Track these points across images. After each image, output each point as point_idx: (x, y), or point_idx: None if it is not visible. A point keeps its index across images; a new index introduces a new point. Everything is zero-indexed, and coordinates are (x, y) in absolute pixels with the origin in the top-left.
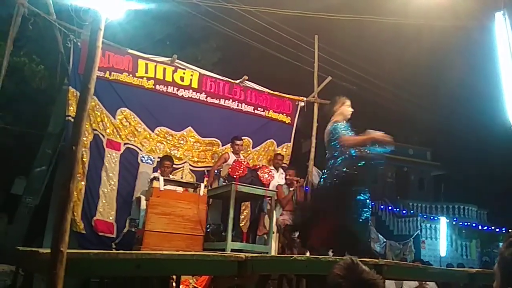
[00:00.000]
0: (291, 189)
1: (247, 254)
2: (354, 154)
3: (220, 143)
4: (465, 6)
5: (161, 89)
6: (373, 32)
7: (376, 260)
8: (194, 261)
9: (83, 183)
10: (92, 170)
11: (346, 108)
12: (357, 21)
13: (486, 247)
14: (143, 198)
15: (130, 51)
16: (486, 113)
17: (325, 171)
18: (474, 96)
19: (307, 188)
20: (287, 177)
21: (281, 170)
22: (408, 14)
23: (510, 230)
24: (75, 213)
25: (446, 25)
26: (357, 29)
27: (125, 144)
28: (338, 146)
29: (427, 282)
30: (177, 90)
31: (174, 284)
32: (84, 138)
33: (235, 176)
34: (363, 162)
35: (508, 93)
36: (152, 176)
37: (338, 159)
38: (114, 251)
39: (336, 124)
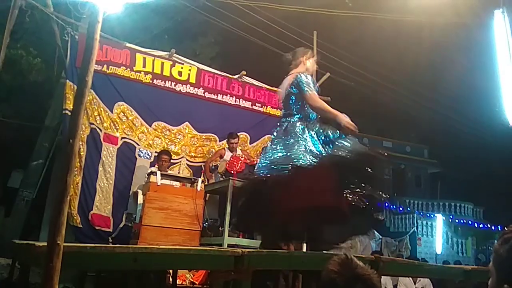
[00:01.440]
0: None
1: (243, 249)
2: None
3: (218, 139)
4: (465, 3)
5: (158, 84)
6: (373, 29)
7: (372, 257)
8: (191, 255)
9: (80, 177)
10: (89, 164)
11: (312, 61)
12: (356, 17)
13: (481, 244)
14: (140, 192)
15: (128, 45)
16: (484, 111)
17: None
18: (473, 94)
19: None
20: None
21: None
22: (408, 11)
23: (505, 228)
24: (71, 207)
25: (446, 22)
26: (356, 26)
27: (122, 138)
28: (298, 104)
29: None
30: (175, 85)
31: (170, 279)
32: (81, 132)
33: (232, 172)
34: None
35: (507, 91)
36: (149, 171)
37: (297, 122)
38: (111, 245)
39: (301, 75)
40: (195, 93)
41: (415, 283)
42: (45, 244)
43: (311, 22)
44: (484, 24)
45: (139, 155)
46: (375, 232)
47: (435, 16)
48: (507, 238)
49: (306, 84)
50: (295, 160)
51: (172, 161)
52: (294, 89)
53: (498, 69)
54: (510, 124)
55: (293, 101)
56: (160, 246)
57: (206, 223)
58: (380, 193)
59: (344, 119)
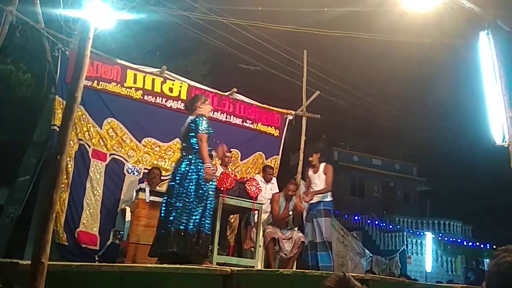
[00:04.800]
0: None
1: (232, 268)
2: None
3: None
4: (451, 24)
5: (149, 100)
6: (363, 48)
7: (362, 275)
8: (179, 274)
9: (67, 193)
10: (77, 180)
11: (208, 106)
12: (347, 37)
13: (471, 263)
14: (128, 209)
15: (119, 61)
16: (472, 130)
17: (185, 162)
18: (460, 113)
19: None
20: (289, 192)
21: (272, 182)
22: (397, 31)
23: (494, 246)
24: (58, 224)
25: (433, 42)
26: (347, 45)
27: (111, 154)
28: (195, 140)
29: None
30: (166, 101)
31: None
32: (70, 148)
33: (222, 189)
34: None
35: (492, 110)
36: (138, 187)
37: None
38: (97, 263)
39: (201, 117)
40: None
41: None
42: (29, 262)
43: (302, 41)
44: (470, 45)
45: (128, 172)
46: (366, 250)
47: (423, 36)
48: (496, 255)
49: (202, 125)
50: None
51: (162, 177)
52: (192, 127)
53: (484, 88)
54: (496, 143)
55: (191, 137)
56: (147, 265)
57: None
58: None
59: (207, 168)
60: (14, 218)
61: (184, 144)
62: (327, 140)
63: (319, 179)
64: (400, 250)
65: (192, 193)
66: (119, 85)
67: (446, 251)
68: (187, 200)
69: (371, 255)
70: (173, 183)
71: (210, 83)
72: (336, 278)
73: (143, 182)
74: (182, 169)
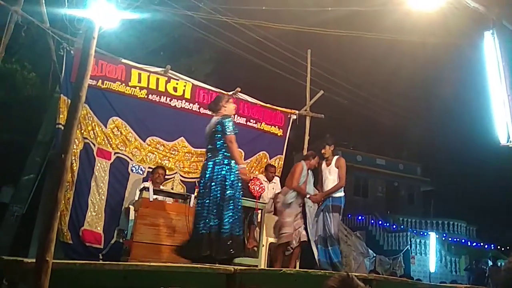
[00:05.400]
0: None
1: (236, 267)
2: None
3: None
4: (456, 24)
5: (153, 99)
6: (367, 48)
7: (366, 275)
8: (182, 273)
9: (71, 192)
10: (82, 179)
11: (232, 105)
12: (351, 36)
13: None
14: (132, 208)
15: (123, 60)
16: (476, 130)
17: (217, 164)
18: (465, 113)
19: None
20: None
21: (275, 181)
22: (402, 31)
23: (498, 247)
24: (62, 223)
25: (438, 42)
26: (351, 44)
27: (115, 153)
28: (221, 142)
29: None
30: (170, 100)
31: None
32: (74, 147)
33: None
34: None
35: (497, 110)
36: (142, 186)
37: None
38: (100, 262)
39: (228, 119)
40: (190, 108)
41: None
42: (34, 260)
43: (305, 40)
44: (475, 44)
45: (132, 171)
46: (369, 250)
47: (428, 36)
48: (509, 261)
49: (229, 126)
50: None
51: (165, 176)
52: (218, 128)
53: (489, 88)
54: (501, 142)
55: (217, 139)
56: (151, 264)
57: None
58: None
59: (243, 167)
60: (18, 216)
61: (209, 146)
62: (331, 139)
63: (331, 172)
64: (404, 250)
65: (219, 195)
66: (123, 84)
67: (450, 251)
68: (216, 202)
69: (374, 255)
70: (202, 185)
71: (214, 82)
72: (339, 278)
73: (147, 181)
74: (209, 171)
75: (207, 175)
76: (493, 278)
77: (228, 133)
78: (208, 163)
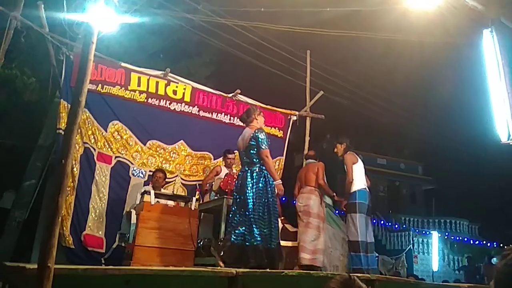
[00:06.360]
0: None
1: (237, 270)
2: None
3: (212, 157)
4: (454, 22)
5: (153, 103)
6: (366, 48)
7: (368, 275)
8: (184, 276)
9: (73, 197)
10: (82, 183)
11: (261, 119)
12: (350, 36)
13: (477, 261)
14: (133, 212)
15: (123, 64)
16: (477, 128)
17: (255, 175)
18: (465, 111)
19: (293, 201)
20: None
21: None
22: (399, 30)
23: (501, 244)
24: (64, 228)
25: (436, 41)
26: (350, 44)
27: (116, 157)
28: (255, 155)
29: None
30: (170, 104)
31: None
32: (75, 151)
33: (226, 190)
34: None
35: (497, 108)
36: (143, 190)
37: (257, 170)
38: (103, 266)
39: (260, 132)
40: (190, 111)
41: None
42: (36, 266)
43: (304, 41)
44: (473, 43)
45: (133, 174)
46: None
47: (426, 35)
48: (505, 255)
49: (263, 141)
50: None
51: (166, 180)
52: (253, 142)
53: (488, 86)
54: (501, 140)
55: (252, 153)
56: (153, 267)
57: (200, 243)
58: None
59: (279, 185)
60: (20, 222)
61: (245, 159)
62: (332, 140)
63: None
64: (407, 250)
65: (257, 206)
66: (123, 88)
67: (453, 250)
68: (258, 214)
69: (377, 255)
70: (238, 197)
71: (214, 84)
72: (341, 280)
73: (148, 185)
74: (247, 183)
75: (245, 186)
76: (487, 276)
77: (263, 148)
78: (246, 175)
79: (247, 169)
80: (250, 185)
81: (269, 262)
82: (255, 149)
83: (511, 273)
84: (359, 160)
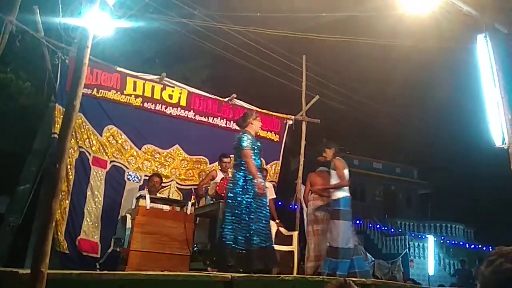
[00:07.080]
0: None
1: (233, 274)
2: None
3: (208, 161)
4: (449, 28)
5: (149, 107)
6: (362, 53)
7: (364, 280)
8: (179, 281)
9: (67, 201)
10: (77, 188)
11: (259, 123)
12: (346, 41)
13: (473, 265)
14: (128, 216)
15: (118, 68)
16: (471, 133)
17: (237, 176)
18: (460, 116)
19: (295, 206)
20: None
21: (268, 186)
22: (396, 35)
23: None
24: (58, 232)
25: (431, 46)
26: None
27: (111, 161)
28: (238, 157)
29: None
30: (165, 108)
31: None
32: (70, 156)
33: (222, 194)
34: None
35: (491, 112)
36: (138, 194)
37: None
38: (97, 271)
39: (245, 134)
40: (186, 116)
41: None
42: (29, 271)
43: (300, 45)
44: (468, 48)
45: (128, 179)
46: (368, 254)
47: (421, 40)
48: (491, 260)
49: (245, 141)
50: None
51: (162, 184)
52: (237, 144)
53: (483, 91)
54: (496, 144)
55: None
56: (148, 272)
57: (196, 248)
58: None
59: (260, 182)
60: (14, 227)
61: (235, 161)
62: (330, 142)
63: (332, 176)
64: (402, 254)
65: (244, 209)
66: (118, 92)
67: (449, 254)
68: (236, 216)
69: (373, 259)
70: (231, 201)
71: (210, 89)
72: (336, 284)
73: (143, 189)
74: (236, 186)
75: (234, 190)
76: (478, 280)
77: (244, 148)
78: (235, 178)
79: (234, 171)
80: (232, 185)
81: (246, 264)
82: (239, 151)
83: (499, 281)
84: (347, 167)
